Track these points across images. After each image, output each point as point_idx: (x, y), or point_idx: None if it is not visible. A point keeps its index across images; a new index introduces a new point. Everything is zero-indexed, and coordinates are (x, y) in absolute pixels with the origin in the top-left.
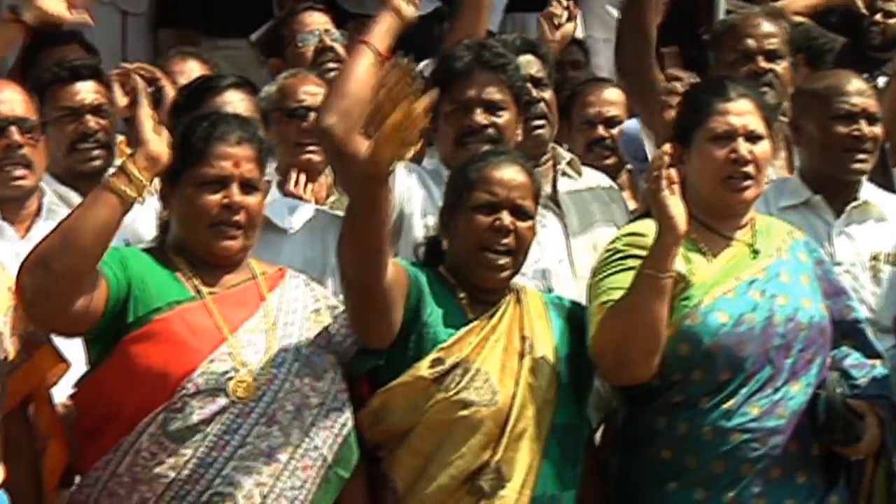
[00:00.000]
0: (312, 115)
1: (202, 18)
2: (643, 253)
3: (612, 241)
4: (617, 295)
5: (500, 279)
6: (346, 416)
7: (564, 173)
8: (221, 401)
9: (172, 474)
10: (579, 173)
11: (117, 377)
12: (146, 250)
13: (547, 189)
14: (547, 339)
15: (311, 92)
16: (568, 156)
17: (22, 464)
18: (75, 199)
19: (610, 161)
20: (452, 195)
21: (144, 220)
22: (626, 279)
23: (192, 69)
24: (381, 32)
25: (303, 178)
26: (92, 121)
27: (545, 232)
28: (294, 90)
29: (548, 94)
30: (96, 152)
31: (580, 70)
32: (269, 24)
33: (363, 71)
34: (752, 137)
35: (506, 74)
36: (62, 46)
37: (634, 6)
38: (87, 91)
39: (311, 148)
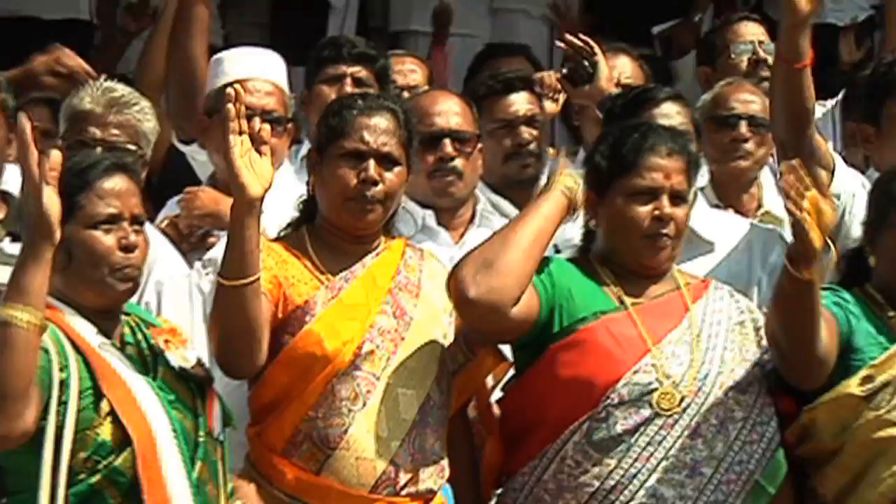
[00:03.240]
0: (744, 123)
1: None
2: None
3: None
4: None
5: None
6: (773, 430)
7: None
8: (645, 412)
9: (597, 483)
10: None
11: (543, 385)
12: (570, 260)
13: None
14: None
15: (743, 100)
16: None
17: (462, 462)
18: (507, 207)
19: None
20: (876, 212)
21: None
22: None
23: (623, 64)
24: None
25: None
26: (525, 132)
27: None
28: (726, 98)
29: None
30: (529, 161)
31: None
32: (674, 21)
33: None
34: None
35: None
36: (510, 58)
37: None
38: (520, 103)
39: (739, 155)
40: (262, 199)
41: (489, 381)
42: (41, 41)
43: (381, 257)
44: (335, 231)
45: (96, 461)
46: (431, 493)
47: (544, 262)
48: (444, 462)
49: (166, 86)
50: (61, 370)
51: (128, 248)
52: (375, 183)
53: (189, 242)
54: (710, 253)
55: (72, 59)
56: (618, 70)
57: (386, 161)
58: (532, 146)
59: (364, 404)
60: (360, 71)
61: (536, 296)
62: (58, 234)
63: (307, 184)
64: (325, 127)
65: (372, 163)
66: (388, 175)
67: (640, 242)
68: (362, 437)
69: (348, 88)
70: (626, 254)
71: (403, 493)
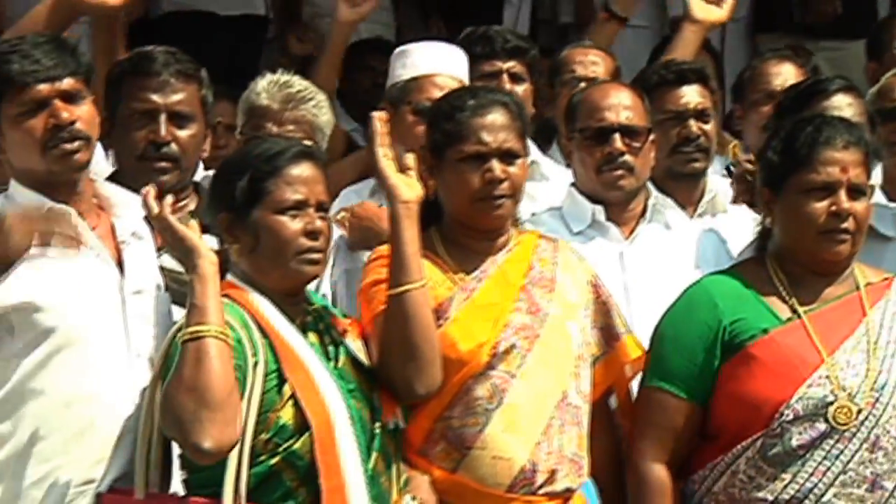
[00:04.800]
0: None
1: (801, 20)
2: None
3: None
4: None
5: None
6: None
7: None
8: (821, 426)
9: (770, 498)
10: None
11: (720, 402)
12: (737, 268)
13: None
14: None
15: None
16: None
17: (604, 454)
18: (669, 202)
19: None
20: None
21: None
22: None
23: (787, 72)
24: None
25: None
26: (694, 125)
27: None
28: (890, 90)
29: None
30: (697, 155)
31: None
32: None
33: None
34: None
35: None
36: None
37: None
38: (692, 95)
39: None
40: (416, 203)
41: (628, 370)
42: (217, 36)
43: (512, 253)
44: (464, 231)
45: (276, 443)
46: (570, 491)
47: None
48: (583, 461)
49: None
50: (254, 354)
51: (313, 234)
52: (501, 181)
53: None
54: (888, 249)
55: None
56: (783, 77)
57: (507, 156)
58: (701, 140)
59: (500, 403)
60: (516, 66)
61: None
62: (203, 249)
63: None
64: (440, 132)
65: (495, 162)
66: (512, 169)
67: (817, 239)
68: (498, 436)
69: (506, 85)
70: (803, 252)
71: (541, 492)
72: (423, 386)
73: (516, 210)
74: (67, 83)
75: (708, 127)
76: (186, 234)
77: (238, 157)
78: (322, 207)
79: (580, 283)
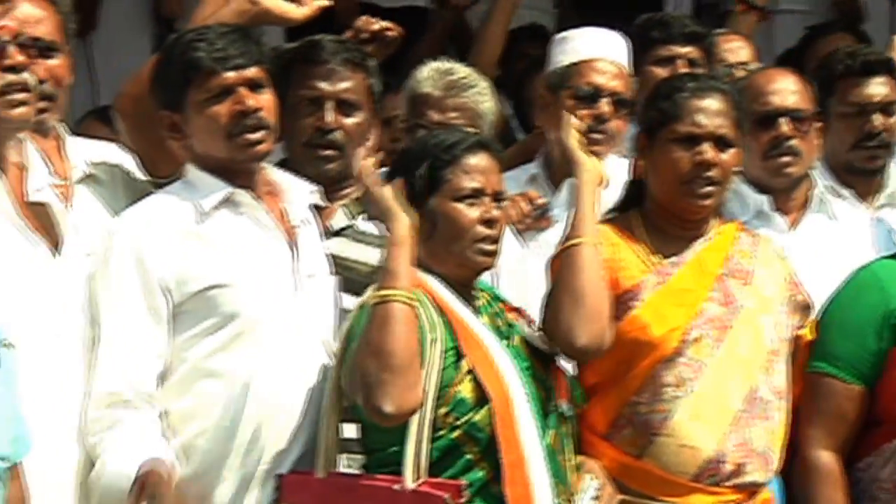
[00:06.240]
0: None
1: None
2: None
3: None
4: None
5: None
6: None
7: None
8: None
9: None
10: None
11: (888, 386)
12: None
13: None
14: None
15: None
16: None
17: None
18: (846, 193)
19: None
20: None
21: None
22: None
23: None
24: None
25: None
26: (878, 120)
27: None
28: None
29: None
30: (878, 151)
31: None
32: None
33: None
34: None
35: None
36: (835, 35)
37: None
38: (878, 88)
39: None
40: (599, 174)
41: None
42: None
43: (711, 242)
44: (666, 215)
45: (456, 417)
46: (756, 486)
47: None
48: (774, 456)
49: None
50: (431, 330)
51: (489, 223)
52: (712, 166)
53: (525, 223)
54: None
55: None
56: None
57: (720, 143)
58: (883, 135)
59: (688, 391)
60: (692, 51)
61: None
62: (405, 216)
63: (631, 166)
64: (656, 110)
65: (707, 146)
66: (724, 156)
67: None
68: (685, 424)
69: (682, 70)
70: None
71: (727, 483)
72: (585, 336)
73: (722, 199)
74: (252, 72)
75: (892, 120)
76: (384, 196)
77: (417, 146)
78: (498, 197)
79: (777, 278)
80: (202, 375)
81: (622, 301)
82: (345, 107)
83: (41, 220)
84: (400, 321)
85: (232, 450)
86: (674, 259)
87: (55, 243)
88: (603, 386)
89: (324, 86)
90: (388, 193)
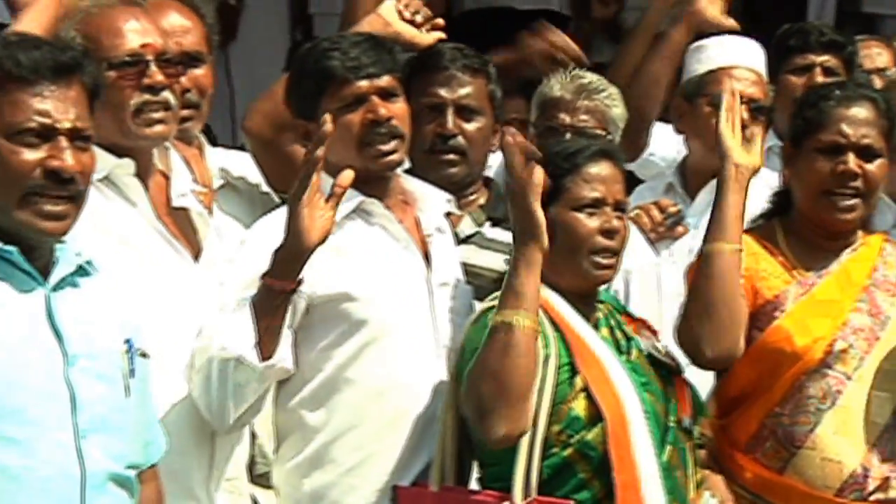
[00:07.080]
0: None
1: None
2: None
3: None
4: None
5: None
6: None
7: None
8: None
9: None
10: None
11: None
12: None
13: None
14: None
15: None
16: None
17: None
18: None
19: None
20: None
21: None
22: None
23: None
24: None
25: None
26: None
27: None
28: None
29: None
30: None
31: None
32: None
33: None
34: None
35: None
36: None
37: None
38: None
39: None
40: (748, 169)
41: None
42: (512, 32)
43: (857, 253)
44: (810, 226)
45: (569, 435)
46: None
47: None
48: None
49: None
50: (545, 346)
51: (609, 233)
52: (855, 177)
53: (658, 232)
54: None
55: (565, 43)
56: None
57: (866, 153)
58: None
59: (833, 404)
60: (830, 60)
61: None
62: (546, 240)
63: (780, 175)
64: (801, 119)
65: (851, 155)
66: (869, 167)
67: None
68: (829, 437)
69: (819, 79)
70: None
71: (871, 498)
72: (713, 348)
73: (867, 212)
74: (385, 80)
75: None
76: (536, 212)
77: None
78: (619, 207)
79: None
80: (338, 385)
81: (764, 312)
82: (465, 112)
83: (182, 227)
84: (522, 352)
85: (363, 459)
86: (818, 270)
87: (196, 250)
88: (746, 398)
89: (444, 92)
90: (538, 210)
